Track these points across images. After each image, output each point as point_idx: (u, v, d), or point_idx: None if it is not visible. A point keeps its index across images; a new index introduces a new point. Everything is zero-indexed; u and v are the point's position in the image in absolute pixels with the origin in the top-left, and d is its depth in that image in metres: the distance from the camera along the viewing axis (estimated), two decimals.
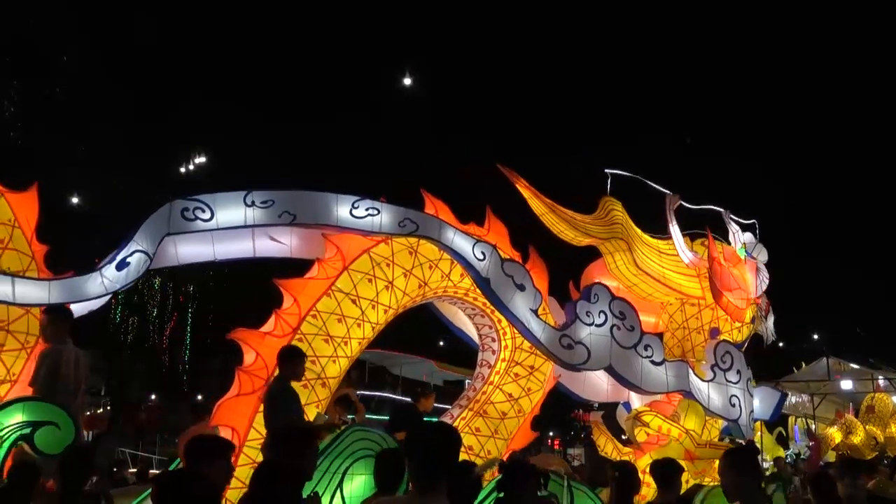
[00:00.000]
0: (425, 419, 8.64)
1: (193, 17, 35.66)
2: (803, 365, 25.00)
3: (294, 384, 6.56)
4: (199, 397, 35.12)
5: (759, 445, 12.16)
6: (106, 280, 6.64)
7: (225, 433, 6.91)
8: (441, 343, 29.85)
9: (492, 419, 9.27)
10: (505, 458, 8.76)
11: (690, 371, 9.63)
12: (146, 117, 32.94)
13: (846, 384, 22.16)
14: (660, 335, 10.35)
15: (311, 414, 7.02)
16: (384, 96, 32.22)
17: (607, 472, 7.86)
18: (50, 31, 26.95)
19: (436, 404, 9.79)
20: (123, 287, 6.91)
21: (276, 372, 6.91)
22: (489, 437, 9.14)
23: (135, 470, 15.16)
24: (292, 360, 6.47)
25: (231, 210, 7.31)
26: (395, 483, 4.83)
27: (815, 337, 33.48)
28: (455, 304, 9.44)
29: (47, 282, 6.45)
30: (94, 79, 29.28)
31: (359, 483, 6.01)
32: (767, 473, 13.49)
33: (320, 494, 5.29)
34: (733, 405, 9.94)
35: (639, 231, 10.19)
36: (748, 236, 11.50)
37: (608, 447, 10.82)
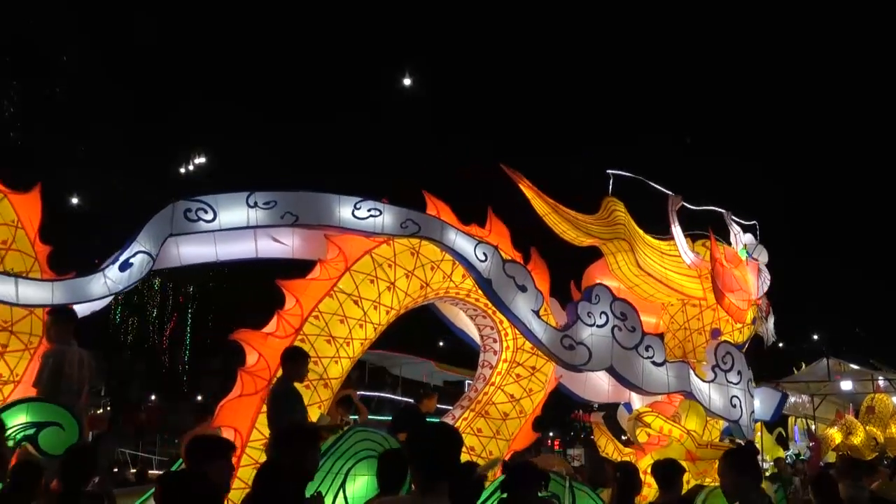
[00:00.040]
0: (428, 420, 8.65)
1: (193, 17, 35.68)
2: (803, 365, 25.02)
3: (296, 385, 6.58)
4: (199, 398, 35.18)
5: (758, 446, 12.16)
6: (109, 281, 6.65)
7: (227, 434, 6.92)
8: (441, 343, 29.91)
9: (493, 420, 9.27)
10: (507, 459, 8.79)
11: (691, 372, 9.63)
12: (146, 117, 33.00)
13: (846, 385, 22.16)
14: (661, 336, 10.35)
15: (314, 415, 7.03)
16: (384, 96, 32.28)
17: (608, 472, 7.90)
18: (50, 31, 26.99)
19: (437, 405, 9.81)
20: (126, 288, 6.91)
21: (280, 373, 6.93)
22: (491, 438, 9.14)
23: (134, 470, 15.18)
24: (296, 360, 6.49)
25: (234, 211, 7.31)
26: (398, 484, 4.84)
27: (815, 337, 33.54)
28: (457, 304, 9.45)
29: (50, 283, 6.46)
30: (94, 79, 29.32)
31: (361, 484, 6.02)
32: (768, 474, 13.51)
33: (323, 494, 5.30)
34: (734, 406, 9.95)
35: (641, 232, 10.20)
36: (749, 237, 11.51)
37: (609, 448, 10.85)
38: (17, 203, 6.65)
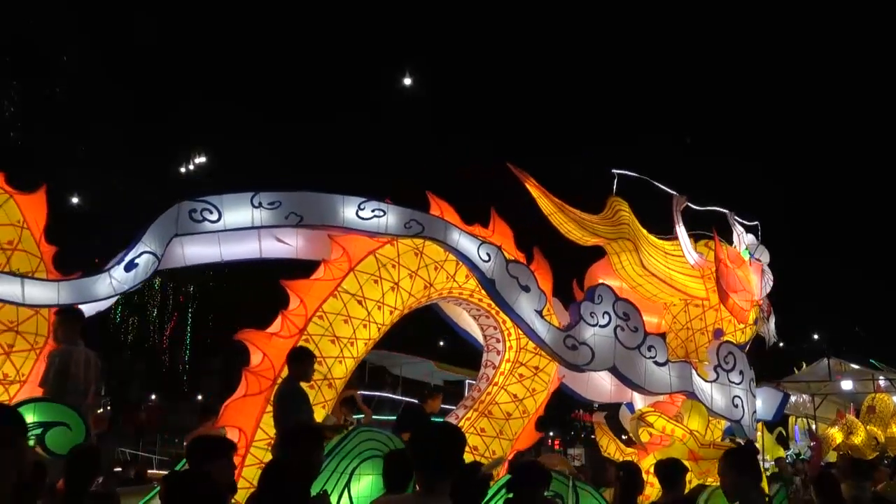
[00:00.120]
0: (432, 420, 8.67)
1: (193, 17, 35.65)
2: (804, 365, 25.05)
3: (302, 385, 6.59)
4: (199, 397, 35.18)
5: (759, 446, 12.17)
6: (115, 281, 6.67)
7: (232, 434, 6.95)
8: (441, 343, 29.91)
9: (496, 420, 9.29)
10: (509, 459, 8.80)
11: (693, 372, 9.65)
12: (146, 117, 32.93)
13: (847, 384, 22.18)
14: (663, 336, 10.38)
15: (319, 415, 7.05)
16: (384, 96, 32.26)
17: (610, 472, 7.93)
18: (50, 31, 26.97)
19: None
20: (132, 288, 6.94)
21: (284, 373, 6.96)
22: (494, 438, 9.16)
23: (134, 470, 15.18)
24: (302, 360, 6.51)
25: (238, 211, 7.33)
26: (403, 483, 4.85)
27: (816, 337, 33.57)
28: (460, 304, 9.47)
29: (56, 283, 6.48)
30: (94, 79, 29.28)
31: (366, 483, 6.04)
32: (768, 473, 13.52)
33: (329, 493, 5.32)
34: (736, 406, 9.97)
35: (644, 231, 10.22)
36: (750, 238, 11.53)
37: (611, 448, 10.86)
38: (23, 203, 6.68)
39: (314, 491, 4.45)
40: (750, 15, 47.65)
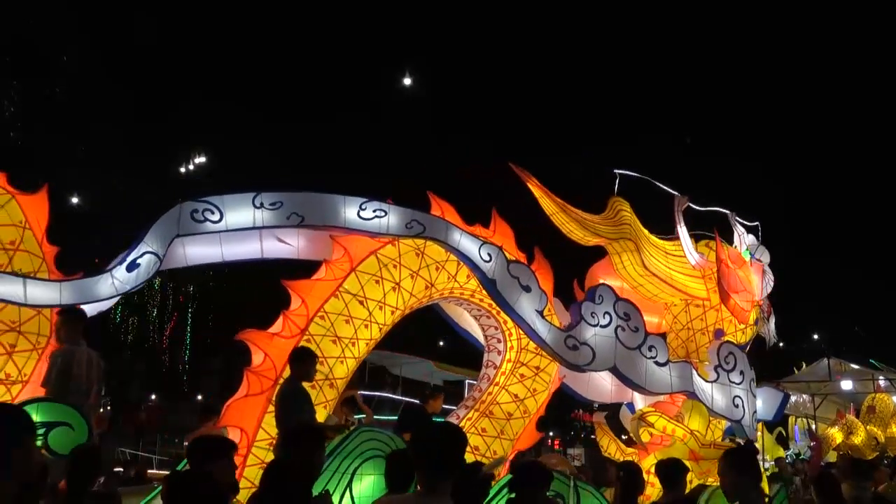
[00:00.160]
0: (433, 420, 8.67)
1: (193, 17, 35.65)
2: (804, 365, 25.08)
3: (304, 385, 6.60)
4: (199, 397, 35.18)
5: (759, 446, 12.19)
6: (116, 281, 6.68)
7: (234, 434, 6.96)
8: (441, 343, 29.92)
9: (497, 420, 9.31)
10: (510, 459, 8.82)
11: (694, 372, 9.66)
12: (146, 117, 32.93)
13: (847, 384, 22.21)
14: (663, 336, 10.39)
15: (321, 415, 7.06)
16: (384, 96, 32.27)
17: (611, 472, 7.94)
18: (50, 31, 26.97)
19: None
20: (134, 288, 6.95)
21: (286, 373, 6.96)
22: (495, 438, 9.18)
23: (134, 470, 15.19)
24: (304, 360, 6.53)
25: (240, 211, 7.34)
26: (405, 483, 4.86)
27: (816, 337, 33.59)
28: (461, 305, 9.48)
29: (58, 283, 6.49)
30: (94, 79, 29.28)
31: (368, 483, 6.04)
32: (769, 473, 13.53)
33: (331, 493, 5.33)
34: (737, 406, 9.97)
35: (646, 231, 10.23)
36: (751, 238, 11.54)
37: (611, 448, 10.86)
38: (25, 204, 6.69)
39: (316, 491, 4.46)
40: (749, 15, 47.70)
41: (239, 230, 7.42)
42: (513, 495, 4.90)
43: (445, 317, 10.02)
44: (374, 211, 7.82)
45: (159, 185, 28.90)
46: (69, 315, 6.37)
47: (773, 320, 11.73)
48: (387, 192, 8.23)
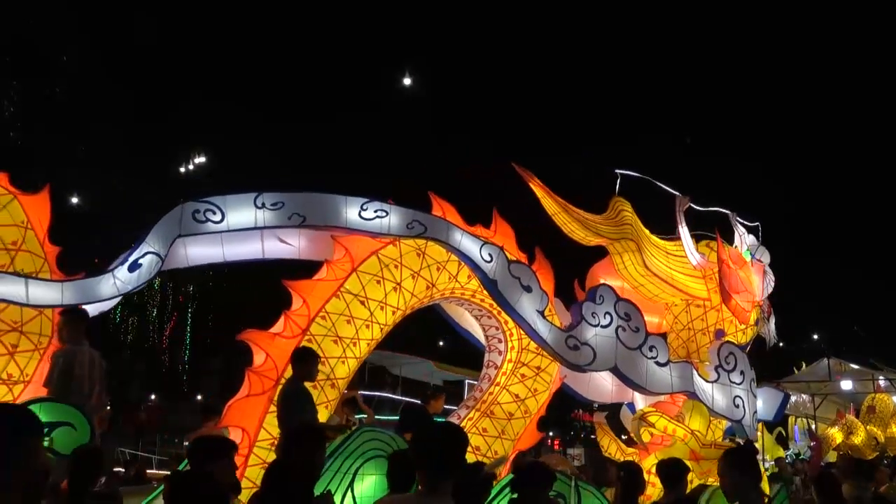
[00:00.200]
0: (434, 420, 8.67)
1: (193, 17, 35.65)
2: (804, 365, 25.09)
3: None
4: (199, 397, 35.18)
5: (759, 446, 12.20)
6: (118, 281, 6.68)
7: (235, 434, 6.96)
8: (441, 343, 29.93)
9: (498, 420, 9.31)
10: (511, 458, 8.82)
11: (695, 372, 9.67)
12: (146, 117, 32.94)
13: (847, 384, 22.24)
14: (664, 336, 10.40)
15: (323, 416, 7.07)
16: (384, 96, 32.29)
17: (611, 472, 7.94)
18: (50, 31, 26.98)
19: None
20: (135, 289, 6.95)
21: (287, 373, 6.97)
22: (496, 438, 9.19)
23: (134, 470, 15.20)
24: (306, 360, 6.53)
25: (242, 212, 7.35)
26: (407, 483, 4.87)
27: (816, 337, 33.61)
28: (462, 305, 9.49)
29: (60, 283, 6.49)
30: (94, 79, 29.29)
31: (369, 483, 6.04)
32: (769, 473, 13.54)
33: (332, 493, 5.33)
34: (737, 406, 9.99)
35: (647, 232, 10.25)
36: (751, 238, 11.55)
37: (612, 448, 10.87)
38: (27, 204, 6.69)
39: (318, 491, 4.47)
40: (749, 15, 47.71)
41: (240, 230, 7.43)
42: (515, 495, 4.91)
43: (446, 317, 10.03)
44: (376, 211, 7.83)
45: (159, 185, 28.95)
46: (71, 315, 6.38)
47: (773, 321, 11.74)
48: (387, 191, 8.24)
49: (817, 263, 41.56)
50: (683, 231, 10.43)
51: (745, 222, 11.54)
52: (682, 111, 49.80)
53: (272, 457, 6.40)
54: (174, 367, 37.41)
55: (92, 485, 5.24)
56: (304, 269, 8.22)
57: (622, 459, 9.46)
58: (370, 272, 8.04)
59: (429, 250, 8.48)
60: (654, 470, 6.72)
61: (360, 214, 7.77)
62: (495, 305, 8.91)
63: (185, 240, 7.31)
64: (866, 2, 50.16)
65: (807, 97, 50.09)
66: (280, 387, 6.86)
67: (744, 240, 11.20)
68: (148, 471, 16.48)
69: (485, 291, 8.76)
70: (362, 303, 7.92)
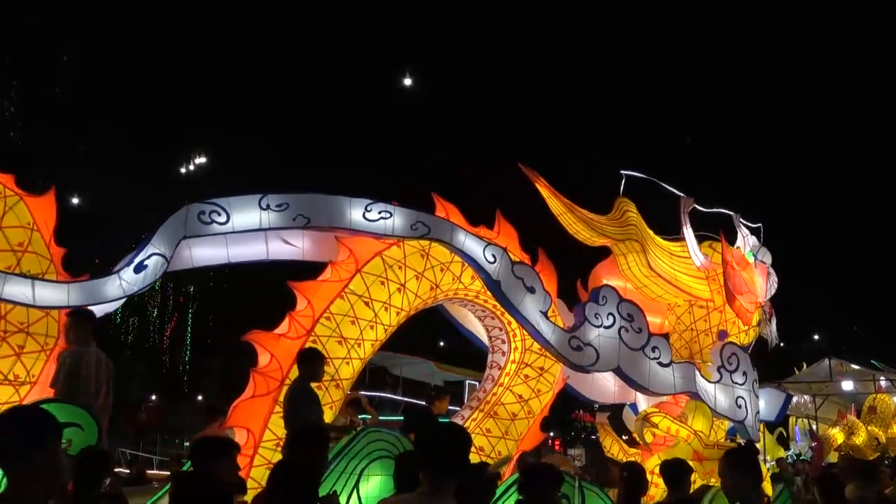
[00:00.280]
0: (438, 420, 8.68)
1: (193, 17, 35.65)
2: (805, 366, 25.08)
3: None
4: (199, 398, 35.20)
5: (759, 446, 12.21)
6: (124, 283, 6.70)
7: (240, 434, 6.98)
8: (441, 344, 29.94)
9: (502, 420, 9.33)
10: (515, 459, 8.83)
11: (697, 373, 9.69)
12: (146, 117, 32.94)
13: (848, 385, 22.24)
14: (666, 336, 10.41)
15: (328, 416, 7.08)
16: (384, 96, 32.31)
17: (614, 472, 7.96)
18: (50, 31, 26.98)
19: None
20: (141, 290, 6.97)
21: (292, 374, 6.98)
22: (500, 438, 9.20)
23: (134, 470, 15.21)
24: (312, 361, 6.54)
25: (246, 213, 7.35)
26: (414, 484, 4.87)
27: (817, 337, 33.62)
28: (465, 306, 9.50)
29: (66, 284, 6.50)
30: (94, 79, 29.29)
31: (375, 483, 6.05)
32: (770, 474, 13.56)
33: (338, 493, 5.34)
34: (739, 406, 10.01)
35: (651, 232, 10.27)
36: (753, 239, 11.57)
37: (614, 448, 10.88)
38: (33, 205, 6.70)
39: (324, 491, 4.48)
40: (749, 15, 47.75)
41: (245, 232, 7.43)
42: (522, 497, 4.91)
43: (449, 317, 10.04)
44: (380, 212, 7.84)
45: (159, 185, 28.96)
46: (79, 316, 6.39)
47: (774, 322, 11.77)
48: (387, 192, 8.25)
49: (817, 263, 41.61)
50: (688, 232, 10.45)
51: (748, 223, 11.56)
52: (682, 111, 49.87)
53: (277, 457, 6.41)
54: (175, 368, 37.43)
55: (98, 486, 5.25)
56: (309, 270, 8.23)
57: (624, 460, 9.48)
58: (374, 273, 8.06)
59: (432, 251, 8.49)
60: (657, 470, 6.74)
61: (364, 216, 7.78)
62: (499, 306, 8.93)
63: (189, 241, 7.32)
64: (866, 2, 50.20)
65: (807, 97, 50.16)
66: (286, 387, 6.87)
67: (747, 241, 11.22)
68: (148, 471, 16.49)
69: (488, 292, 8.77)
70: (366, 304, 7.94)
